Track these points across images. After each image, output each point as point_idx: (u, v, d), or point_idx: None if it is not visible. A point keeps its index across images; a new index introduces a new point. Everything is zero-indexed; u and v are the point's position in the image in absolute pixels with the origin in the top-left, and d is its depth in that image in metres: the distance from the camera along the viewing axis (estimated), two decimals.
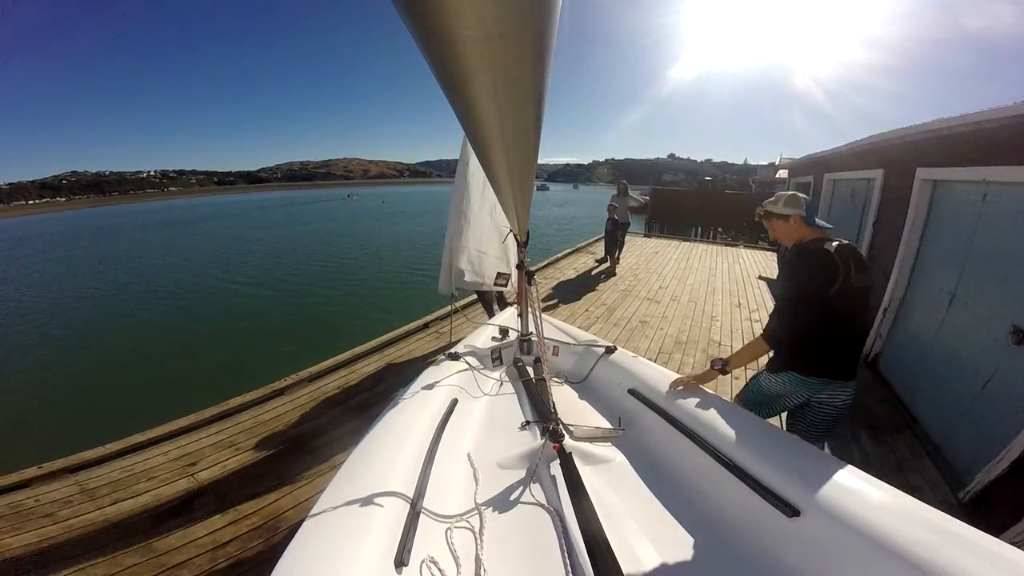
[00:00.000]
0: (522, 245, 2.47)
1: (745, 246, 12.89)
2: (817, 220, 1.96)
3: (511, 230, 2.75)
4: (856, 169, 6.40)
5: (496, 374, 2.67)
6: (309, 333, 8.42)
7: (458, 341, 2.88)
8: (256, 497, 2.75)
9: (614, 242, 8.45)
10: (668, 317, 6.11)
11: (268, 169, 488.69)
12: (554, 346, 2.80)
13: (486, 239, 3.62)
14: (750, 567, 1.22)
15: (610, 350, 2.54)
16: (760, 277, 8.73)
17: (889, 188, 5.20)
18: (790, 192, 2.07)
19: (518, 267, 2.73)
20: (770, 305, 6.78)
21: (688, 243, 12.65)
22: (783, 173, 20.81)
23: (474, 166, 3.30)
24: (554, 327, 3.07)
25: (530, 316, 2.72)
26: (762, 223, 2.13)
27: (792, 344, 1.91)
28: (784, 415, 2.12)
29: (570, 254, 10.55)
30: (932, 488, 2.88)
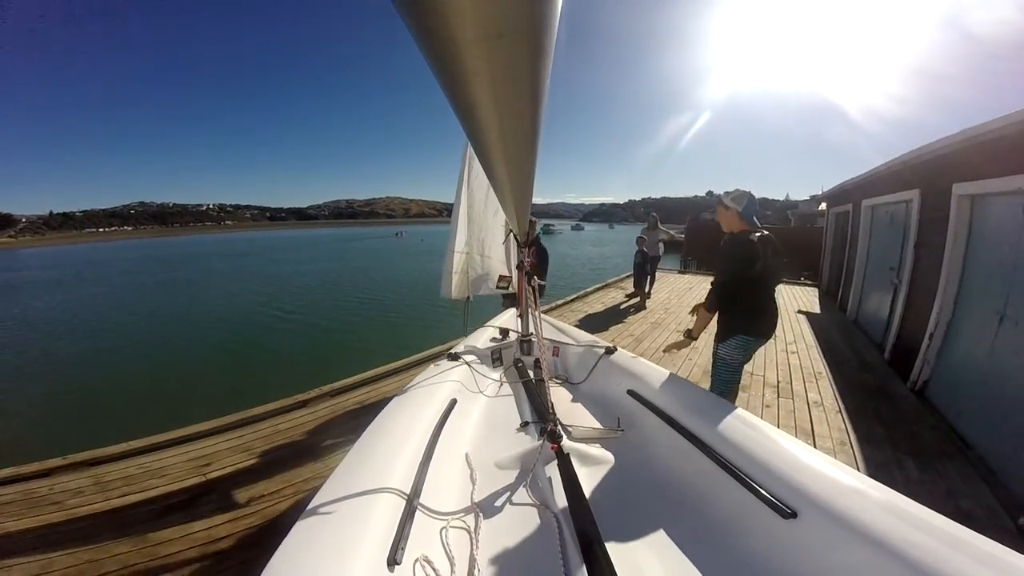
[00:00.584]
0: (522, 245, 2.48)
1: (784, 282, 12.43)
2: (755, 219, 2.60)
3: (511, 230, 2.80)
4: (893, 192, 6.12)
5: (496, 374, 2.65)
6: (340, 355, 8.81)
7: (458, 341, 2.89)
8: (259, 499, 2.77)
9: (644, 275, 8.32)
10: (699, 348, 5.83)
11: (316, 206, 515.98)
12: (554, 347, 2.79)
13: (491, 242, 3.62)
14: (747, 569, 1.21)
15: (610, 351, 2.53)
16: (800, 311, 8.35)
17: (927, 208, 4.94)
18: (741, 191, 2.62)
19: (518, 267, 2.75)
20: (807, 336, 6.47)
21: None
22: (823, 205, 20.13)
23: (478, 168, 3.24)
24: (554, 328, 3.05)
25: (530, 316, 2.73)
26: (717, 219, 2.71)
27: (737, 313, 2.55)
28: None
29: (599, 289, 10.43)
30: (988, 515, 2.63)
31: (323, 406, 4.14)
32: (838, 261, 10.87)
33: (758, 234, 2.51)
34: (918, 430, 3.68)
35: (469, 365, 2.46)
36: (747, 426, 1.58)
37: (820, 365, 5.21)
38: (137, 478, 2.98)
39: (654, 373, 2.17)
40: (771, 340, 5.17)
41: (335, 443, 3.46)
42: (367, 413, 3.94)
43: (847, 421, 3.77)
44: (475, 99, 0.69)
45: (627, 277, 11.97)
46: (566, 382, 2.58)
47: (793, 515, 1.22)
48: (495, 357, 2.74)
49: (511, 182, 1.21)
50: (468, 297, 3.34)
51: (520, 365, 2.68)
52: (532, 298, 2.24)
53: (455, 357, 2.46)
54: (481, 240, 3.54)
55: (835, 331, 6.87)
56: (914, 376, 4.57)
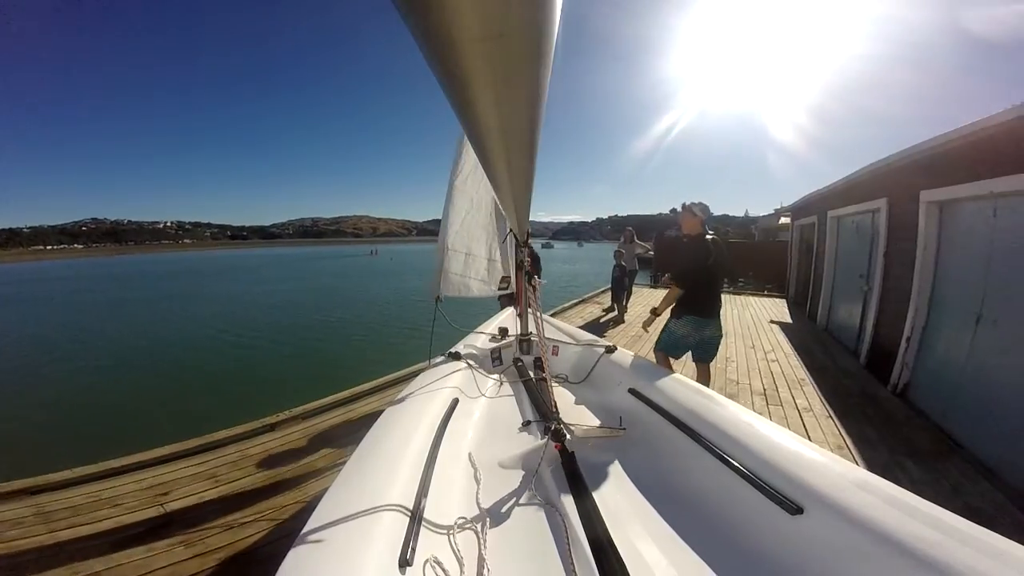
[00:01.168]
0: (522, 245, 2.44)
1: (752, 294, 12.76)
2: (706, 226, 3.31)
3: (511, 230, 2.77)
4: (859, 202, 6.36)
5: (496, 374, 2.64)
6: (310, 377, 8.20)
7: (458, 341, 2.85)
8: (229, 530, 2.49)
9: (622, 289, 8.32)
10: (682, 360, 5.87)
11: (280, 225, 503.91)
12: (554, 346, 2.79)
13: (486, 243, 3.51)
14: (754, 565, 1.21)
15: (610, 350, 2.53)
16: (772, 321, 8.52)
17: (895, 216, 5.12)
18: (703, 203, 3.32)
19: (518, 267, 2.72)
20: (784, 346, 6.56)
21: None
22: (785, 219, 21.02)
23: (470, 167, 3.18)
24: (554, 327, 3.05)
25: (530, 316, 2.72)
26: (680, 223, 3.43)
27: (688, 297, 3.23)
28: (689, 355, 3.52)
29: (577, 304, 10.38)
30: (997, 509, 2.66)
31: (294, 430, 3.84)
32: (804, 272, 11.24)
33: (711, 236, 3.29)
34: (908, 432, 3.71)
35: (469, 365, 2.44)
36: (749, 423, 1.58)
37: (802, 372, 5.26)
38: (84, 508, 2.65)
39: (655, 372, 2.16)
40: (752, 348, 5.59)
41: (310, 471, 3.19)
42: (343, 436, 3.71)
43: (839, 426, 3.77)
44: (475, 99, 0.69)
45: (602, 292, 12.02)
46: (566, 381, 2.55)
47: (799, 511, 1.21)
48: (495, 357, 2.73)
49: (511, 182, 1.21)
50: (437, 299, 3.21)
51: (520, 365, 2.66)
52: (532, 298, 2.22)
53: (455, 357, 2.43)
54: (471, 240, 3.40)
55: (809, 339, 7.01)
56: (894, 379, 4.65)
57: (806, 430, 3.69)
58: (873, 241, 5.94)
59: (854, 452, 3.33)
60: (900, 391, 4.57)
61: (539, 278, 4.18)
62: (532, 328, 2.76)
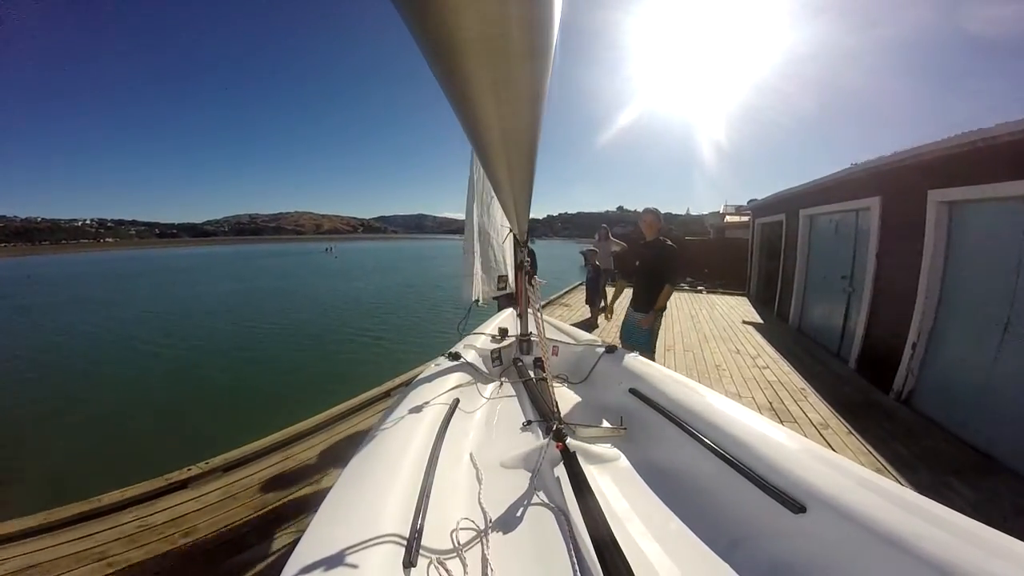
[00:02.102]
0: (521, 245, 2.40)
1: (710, 291, 12.75)
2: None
3: (511, 230, 2.75)
4: (841, 201, 6.18)
5: (496, 374, 2.64)
6: (234, 411, 6.50)
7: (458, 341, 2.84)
8: None
9: (596, 291, 7.82)
10: (672, 367, 5.46)
11: (214, 222, 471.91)
12: (553, 346, 2.76)
13: (496, 245, 3.45)
14: (757, 563, 1.20)
15: (610, 350, 2.54)
16: (744, 322, 8.34)
17: (891, 215, 4.90)
18: (657, 209, 3.69)
19: (518, 267, 2.73)
20: (767, 349, 6.32)
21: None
22: (732, 218, 21.57)
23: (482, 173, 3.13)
24: (553, 327, 3.05)
25: (530, 316, 2.76)
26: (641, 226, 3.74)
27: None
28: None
29: (544, 307, 9.84)
30: None
31: (212, 488, 2.98)
32: (768, 270, 11.28)
33: (667, 240, 3.69)
34: (934, 444, 3.47)
35: (470, 365, 2.43)
36: (751, 422, 1.58)
37: (797, 379, 4.98)
38: None
39: (655, 372, 2.17)
40: (737, 353, 5.89)
41: (239, 545, 2.45)
42: (282, 494, 2.92)
43: (866, 444, 3.45)
44: (475, 99, 0.70)
45: (567, 292, 11.58)
46: (566, 381, 2.55)
47: (802, 509, 1.21)
48: (495, 357, 2.71)
49: (511, 182, 1.23)
50: (476, 301, 3.23)
51: (520, 365, 2.66)
52: (532, 298, 2.18)
53: (455, 357, 2.42)
54: (490, 244, 3.37)
55: (789, 341, 6.83)
56: (897, 386, 4.42)
57: (832, 450, 3.29)
58: (858, 241, 5.76)
59: (896, 475, 3.02)
60: (904, 398, 4.33)
61: (538, 277, 4.00)
62: (532, 328, 2.77)
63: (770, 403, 4.26)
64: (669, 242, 3.65)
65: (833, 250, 6.60)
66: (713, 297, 11.76)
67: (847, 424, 3.79)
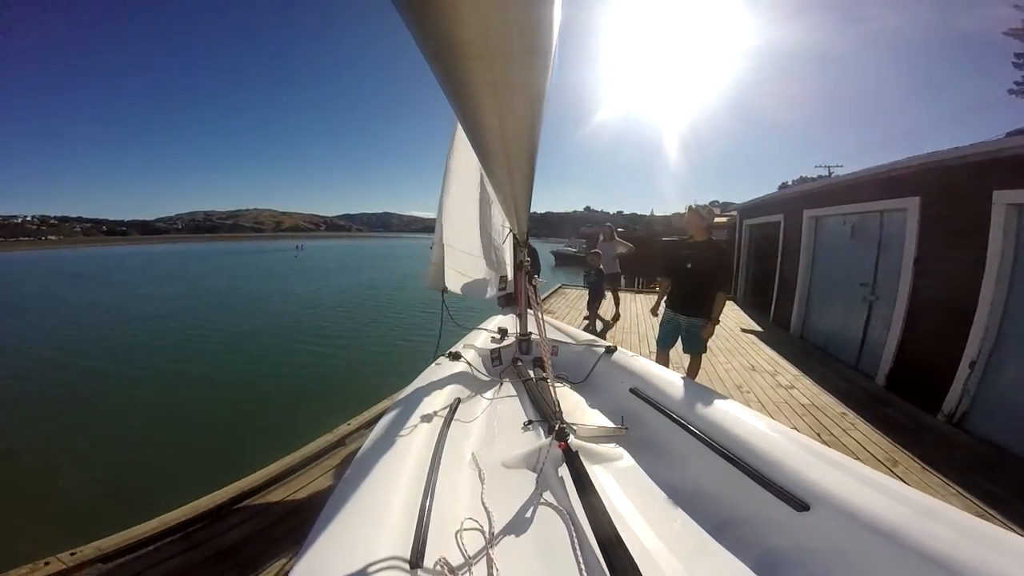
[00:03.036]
0: (521, 245, 2.39)
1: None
2: None
3: (510, 230, 2.73)
4: (864, 201, 5.73)
5: (496, 374, 2.63)
6: (175, 454, 4.91)
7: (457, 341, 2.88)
8: None
9: (597, 297, 7.17)
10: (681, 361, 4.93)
11: (167, 219, 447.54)
12: (553, 346, 2.73)
13: (481, 241, 3.25)
14: (761, 561, 1.20)
15: (610, 350, 2.54)
16: (744, 330, 7.87)
17: (932, 218, 4.44)
18: (707, 206, 3.56)
19: (517, 267, 2.76)
20: (783, 363, 5.79)
21: (643, 295, 11.58)
22: (721, 219, 21.44)
23: (466, 162, 2.90)
24: (553, 327, 3.02)
25: (529, 316, 2.79)
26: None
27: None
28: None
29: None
30: None
31: None
32: (758, 274, 10.95)
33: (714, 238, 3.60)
34: (1018, 476, 3.04)
35: (470, 365, 2.42)
36: (751, 421, 1.60)
37: (830, 400, 4.45)
38: None
39: (656, 372, 2.18)
40: (753, 371, 5.44)
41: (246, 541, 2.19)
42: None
43: (953, 484, 2.95)
44: (477, 100, 0.71)
45: (549, 295, 10.92)
46: (567, 381, 2.53)
47: (806, 508, 1.21)
48: (495, 357, 2.72)
49: (512, 182, 1.25)
50: (444, 290, 3.09)
51: (519, 365, 2.66)
52: (532, 298, 2.16)
53: (455, 357, 2.40)
54: (470, 236, 3.16)
55: (799, 353, 6.34)
56: (948, 407, 3.95)
57: (901, 481, 2.74)
58: (883, 245, 5.32)
59: (1001, 518, 2.57)
60: (957, 420, 3.86)
61: (538, 277, 3.86)
62: (531, 328, 2.79)
63: (817, 435, 3.68)
64: (723, 244, 3.49)
65: (848, 254, 6.16)
66: None
67: (914, 458, 3.28)
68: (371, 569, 0.93)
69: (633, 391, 2.10)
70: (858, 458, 3.27)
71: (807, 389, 4.78)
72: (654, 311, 4.02)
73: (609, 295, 7.80)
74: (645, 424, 1.92)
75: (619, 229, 7.84)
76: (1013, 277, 3.58)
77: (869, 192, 5.55)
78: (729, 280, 3.46)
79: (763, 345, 6.71)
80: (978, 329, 3.74)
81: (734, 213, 13.14)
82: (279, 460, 3.01)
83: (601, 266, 7.06)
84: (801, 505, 1.21)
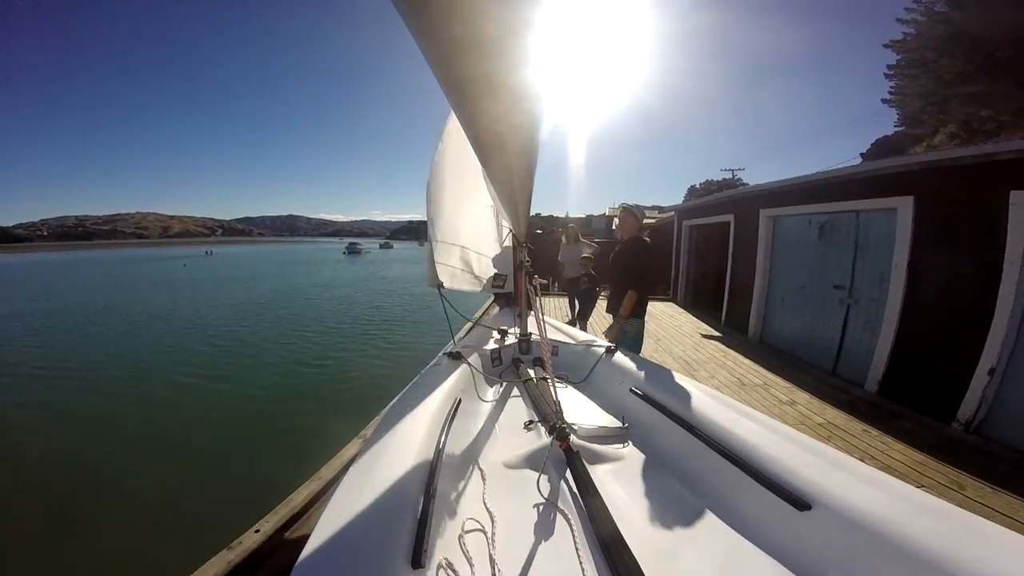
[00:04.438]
0: (522, 244, 2.47)
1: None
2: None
3: (511, 229, 2.81)
4: (831, 201, 5.59)
5: (496, 374, 2.65)
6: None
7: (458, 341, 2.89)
8: None
9: (591, 304, 6.63)
10: (681, 360, 4.94)
11: (29, 225, 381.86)
12: (553, 346, 2.71)
13: (479, 238, 3.25)
14: (762, 560, 1.21)
15: (610, 350, 2.54)
16: (704, 336, 7.65)
17: (926, 220, 4.27)
18: (636, 205, 3.61)
19: (518, 267, 2.83)
20: (767, 375, 5.49)
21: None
22: (649, 220, 21.92)
23: (455, 158, 2.80)
24: (553, 327, 3.02)
25: (529, 316, 2.83)
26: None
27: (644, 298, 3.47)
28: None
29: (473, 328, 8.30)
30: None
31: None
32: (699, 275, 10.99)
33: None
34: None
35: (470, 365, 2.42)
36: (752, 420, 1.59)
37: (837, 413, 4.16)
38: None
39: (656, 371, 2.19)
40: (746, 388, 5.02)
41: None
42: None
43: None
44: (476, 101, 0.73)
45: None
46: (566, 381, 2.52)
47: (807, 507, 1.21)
48: (495, 357, 2.73)
49: (511, 182, 1.29)
50: (440, 286, 2.93)
51: (520, 365, 2.67)
52: (532, 298, 2.21)
53: (456, 357, 2.41)
54: (463, 232, 3.09)
55: (776, 361, 6.11)
56: (966, 415, 3.75)
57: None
58: (860, 246, 5.19)
59: None
60: (975, 428, 3.67)
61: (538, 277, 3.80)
62: (531, 328, 2.79)
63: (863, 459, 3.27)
64: (646, 242, 3.50)
65: (817, 255, 6.04)
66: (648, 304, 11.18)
67: (960, 474, 3.06)
68: (372, 569, 0.94)
69: (633, 391, 2.10)
70: (921, 486, 2.92)
71: (810, 403, 4.44)
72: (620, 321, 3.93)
73: (578, 300, 7.25)
74: (645, 424, 1.92)
75: (537, 231, 7.48)
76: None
77: (842, 191, 5.41)
78: (642, 278, 3.32)
79: (736, 354, 6.43)
80: (996, 335, 3.54)
81: (671, 214, 13.22)
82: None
83: (565, 274, 6.43)
84: (803, 504, 1.22)
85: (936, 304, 4.15)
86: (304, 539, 1.03)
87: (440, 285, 3.03)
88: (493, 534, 1.27)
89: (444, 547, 1.18)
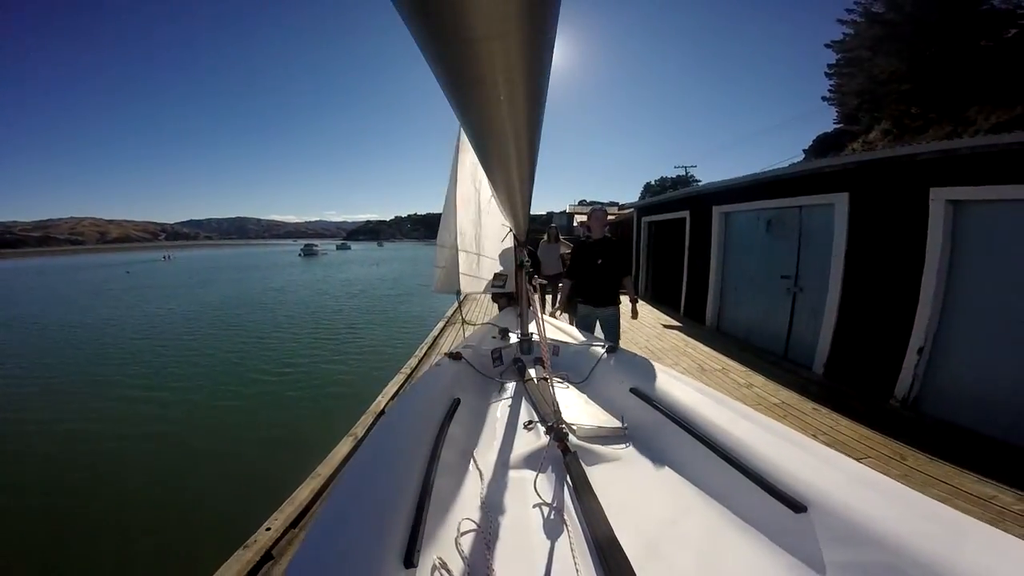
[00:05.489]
0: (521, 245, 2.54)
1: None
2: None
3: (510, 229, 2.80)
4: (777, 197, 6.00)
5: (497, 374, 2.66)
6: None
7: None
8: None
9: (553, 300, 6.70)
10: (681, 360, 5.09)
11: None
12: (554, 346, 2.76)
13: (486, 240, 3.42)
14: (758, 563, 1.20)
15: (611, 349, 2.56)
16: (665, 326, 8.01)
17: (860, 214, 4.67)
18: (602, 208, 4.18)
19: (518, 267, 2.83)
20: (726, 360, 5.87)
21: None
22: (582, 217, 22.36)
23: (471, 164, 3.01)
24: (553, 327, 3.05)
25: (530, 316, 2.84)
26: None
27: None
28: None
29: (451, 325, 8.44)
30: None
31: None
32: (658, 268, 11.41)
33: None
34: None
35: (470, 365, 2.45)
36: (752, 422, 1.59)
37: (790, 394, 4.51)
38: None
39: (657, 371, 2.18)
40: (707, 373, 5.38)
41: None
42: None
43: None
44: (476, 99, 0.71)
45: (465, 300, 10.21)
46: (567, 381, 2.49)
47: (803, 508, 1.20)
48: (495, 357, 2.74)
49: (511, 182, 1.26)
50: (458, 292, 3.21)
51: (520, 365, 2.66)
52: (532, 298, 2.29)
53: (456, 357, 2.41)
54: (475, 237, 3.33)
55: (732, 348, 6.49)
56: (901, 393, 4.16)
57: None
58: (804, 238, 5.60)
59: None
60: (911, 404, 4.09)
61: (539, 277, 3.97)
62: (532, 328, 2.81)
63: (814, 436, 3.58)
64: (616, 238, 4.21)
65: (766, 248, 6.45)
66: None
67: (920, 451, 3.36)
68: (365, 569, 0.94)
69: (634, 391, 2.09)
70: (867, 457, 3.24)
71: (765, 386, 4.79)
72: (562, 309, 4.49)
73: (549, 297, 7.42)
74: (645, 424, 1.91)
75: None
76: (951, 268, 3.81)
77: (786, 189, 5.81)
78: (630, 266, 3.61)
79: (697, 343, 6.78)
80: (923, 317, 3.94)
81: (630, 211, 13.64)
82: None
83: (549, 272, 6.61)
84: (799, 506, 1.21)
85: (870, 291, 4.56)
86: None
87: (458, 292, 3.29)
88: (488, 534, 1.27)
89: (438, 547, 1.18)
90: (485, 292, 3.35)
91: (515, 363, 2.73)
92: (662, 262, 11.03)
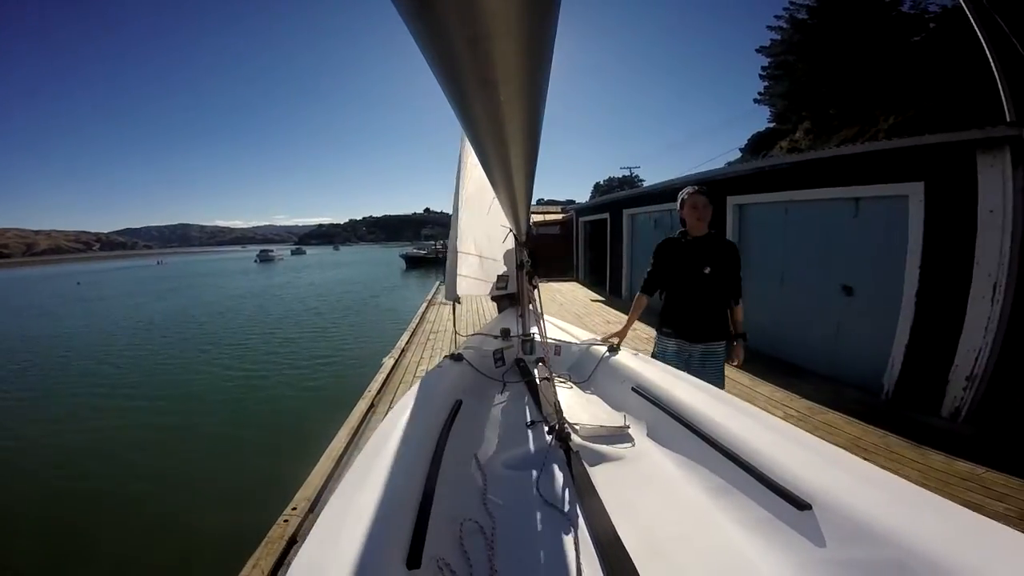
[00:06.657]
0: (522, 245, 2.51)
1: (542, 281, 14.09)
2: None
3: (511, 230, 2.78)
4: (661, 203, 8.45)
5: (498, 374, 2.65)
6: None
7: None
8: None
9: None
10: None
11: None
12: (556, 346, 2.79)
13: (489, 242, 3.44)
14: (761, 560, 1.20)
15: (613, 349, 2.55)
16: (592, 300, 10.45)
17: (938, 208, 3.86)
18: (704, 190, 2.90)
19: (518, 267, 2.79)
20: (624, 318, 7.55)
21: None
22: (536, 216, 24.41)
23: (472, 166, 3.06)
24: (555, 326, 3.09)
25: (531, 316, 2.83)
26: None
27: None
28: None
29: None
30: None
31: None
32: (593, 258, 13.93)
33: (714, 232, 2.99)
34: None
35: (471, 366, 2.46)
36: (755, 420, 1.60)
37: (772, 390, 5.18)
38: None
39: (659, 370, 2.20)
40: (616, 325, 4.89)
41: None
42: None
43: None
44: (475, 99, 0.69)
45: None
46: (569, 380, 2.56)
47: (807, 506, 1.19)
48: (497, 358, 2.72)
49: (511, 182, 1.22)
50: (456, 300, 3.20)
51: (522, 365, 2.68)
52: (533, 298, 2.33)
53: (457, 358, 2.43)
54: (481, 239, 3.35)
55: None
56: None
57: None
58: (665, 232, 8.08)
59: None
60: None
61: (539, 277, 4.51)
62: (533, 328, 2.82)
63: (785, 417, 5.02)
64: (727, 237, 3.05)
65: (655, 241, 8.89)
66: (553, 284, 13.58)
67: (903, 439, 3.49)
68: (367, 569, 0.94)
69: (636, 390, 2.09)
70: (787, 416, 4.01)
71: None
72: (621, 337, 2.79)
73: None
74: (647, 423, 1.91)
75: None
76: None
77: (664, 197, 8.27)
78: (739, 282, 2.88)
79: (610, 308, 9.35)
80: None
81: (572, 212, 16.23)
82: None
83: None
84: (802, 504, 1.20)
85: (951, 312, 4.08)
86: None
87: (456, 299, 3.20)
88: (491, 534, 1.27)
89: (442, 547, 1.18)
90: (489, 295, 3.44)
91: (517, 363, 2.74)
92: (594, 254, 13.54)
